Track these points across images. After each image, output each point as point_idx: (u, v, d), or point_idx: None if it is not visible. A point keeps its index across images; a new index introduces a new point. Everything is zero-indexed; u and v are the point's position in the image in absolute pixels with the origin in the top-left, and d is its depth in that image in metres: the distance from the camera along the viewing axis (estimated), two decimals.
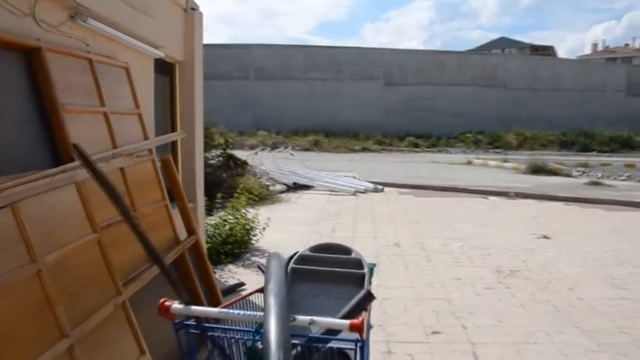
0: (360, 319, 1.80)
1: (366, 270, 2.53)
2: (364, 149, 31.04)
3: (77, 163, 3.13)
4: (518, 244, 7.45)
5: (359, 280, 2.49)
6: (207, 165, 11.56)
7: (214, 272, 6.07)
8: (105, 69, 3.77)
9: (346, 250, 2.68)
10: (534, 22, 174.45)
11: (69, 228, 2.81)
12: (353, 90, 36.66)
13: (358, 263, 2.57)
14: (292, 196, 12.08)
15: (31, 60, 2.96)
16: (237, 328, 2.02)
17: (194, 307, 2.04)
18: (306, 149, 30.72)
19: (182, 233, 4.46)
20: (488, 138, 33.77)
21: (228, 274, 6.04)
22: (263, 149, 16.55)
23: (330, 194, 12.40)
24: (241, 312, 1.99)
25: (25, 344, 2.19)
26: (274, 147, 21.42)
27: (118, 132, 3.73)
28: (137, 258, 3.56)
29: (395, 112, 36.13)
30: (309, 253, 2.65)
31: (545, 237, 7.91)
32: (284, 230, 8.31)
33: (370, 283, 2.58)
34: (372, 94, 36.69)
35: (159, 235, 4.00)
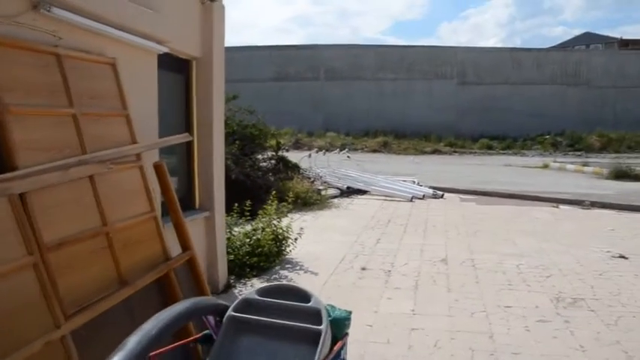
0: None
1: (324, 326, 1.82)
2: (435, 151, 29.77)
3: (15, 173, 2.66)
4: (587, 265, 6.34)
5: (313, 340, 1.80)
6: (258, 168, 11.20)
7: (234, 287, 5.58)
8: (79, 65, 3.29)
9: (304, 296, 1.99)
10: (625, 16, 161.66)
11: None
12: (425, 90, 35.42)
13: (316, 315, 1.88)
14: (344, 201, 11.43)
15: None
16: None
17: None
18: (375, 150, 29.95)
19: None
20: (568, 140, 31.30)
21: (250, 290, 5.45)
22: (318, 151, 15.89)
23: (385, 200, 11.64)
24: None
25: None
26: (342, 148, 20.76)
27: (92, 136, 3.25)
28: (101, 281, 3.07)
29: (468, 113, 34.47)
30: (256, 297, 1.99)
31: (622, 257, 6.72)
32: (324, 239, 7.69)
33: (333, 342, 1.89)
34: (444, 94, 35.26)
35: (141, 252, 3.49)
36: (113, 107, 3.57)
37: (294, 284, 2.13)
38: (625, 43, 48.28)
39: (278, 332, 1.84)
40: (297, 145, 28.57)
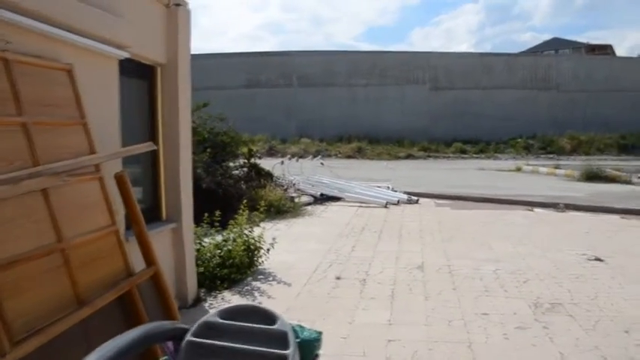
0: None
1: (290, 350, 1.69)
2: (409, 156, 29.98)
3: None
4: (564, 269, 6.35)
5: None
6: (230, 177, 11.00)
7: (204, 300, 5.39)
8: (31, 71, 3.11)
9: (270, 318, 1.85)
10: (591, 21, 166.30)
11: None
12: (397, 95, 35.73)
13: (282, 339, 1.74)
14: (318, 208, 11.29)
15: None
16: None
17: None
18: (349, 156, 29.98)
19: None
20: (539, 143, 31.96)
21: (221, 303, 5.29)
22: (291, 158, 15.78)
23: (360, 206, 11.55)
24: None
25: None
26: (317, 154, 20.70)
27: (45, 146, 3.06)
28: (57, 301, 2.87)
29: (441, 118, 34.87)
30: (217, 319, 1.84)
31: (598, 259, 6.76)
32: (298, 248, 7.55)
33: None
34: (417, 99, 35.64)
35: (101, 268, 3.30)
36: (69, 115, 3.38)
37: (259, 305, 1.98)
38: (592, 48, 49.60)
39: (241, 358, 1.71)
40: (271, 152, 28.44)
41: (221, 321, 1.83)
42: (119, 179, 3.65)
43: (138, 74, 4.80)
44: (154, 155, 5.00)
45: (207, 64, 37.25)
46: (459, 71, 35.85)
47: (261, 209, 7.00)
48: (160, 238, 4.88)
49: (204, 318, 1.84)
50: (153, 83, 4.99)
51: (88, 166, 3.41)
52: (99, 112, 3.81)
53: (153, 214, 5.00)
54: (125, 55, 4.12)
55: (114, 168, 3.79)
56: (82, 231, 3.18)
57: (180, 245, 5.18)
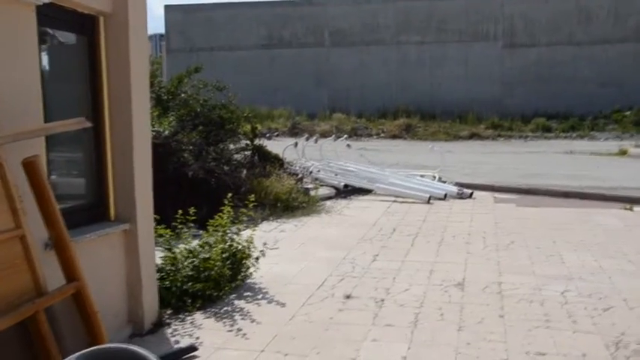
0: None
1: None
2: (473, 136, 29.33)
3: None
4: None
5: None
6: (226, 162, 10.91)
7: (168, 325, 5.29)
8: None
9: None
10: None
11: None
12: (460, 56, 34.96)
13: None
14: (339, 204, 11.21)
15: None
16: None
17: None
18: (394, 136, 29.60)
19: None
20: None
21: (188, 329, 5.18)
22: (308, 138, 15.64)
23: (394, 201, 11.36)
24: None
25: None
26: (339, 134, 20.47)
27: None
28: None
29: (518, 85, 33.96)
30: None
31: None
32: (303, 256, 7.47)
33: None
34: (486, 60, 34.77)
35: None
36: None
37: (131, 346, 1.80)
38: None
39: None
40: (295, 131, 28.31)
41: None
42: (28, 166, 3.53)
43: (71, 26, 4.67)
44: (97, 135, 4.88)
45: (214, 16, 37.49)
46: (543, 21, 34.66)
47: (250, 204, 6.86)
48: (105, 244, 4.81)
49: None
50: (95, 39, 4.85)
51: None
52: (8, 76, 3.69)
53: (97, 213, 4.93)
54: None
55: (31, 152, 3.66)
56: None
57: (134, 252, 5.08)
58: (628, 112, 31.63)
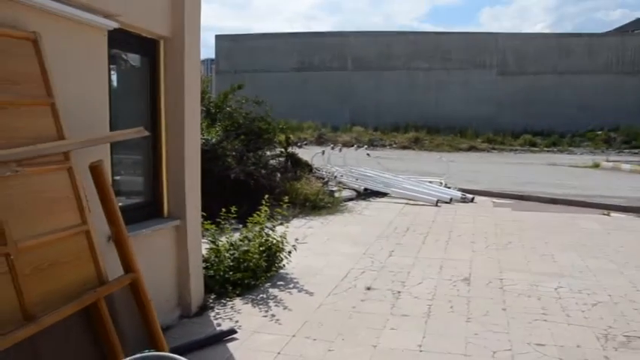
0: None
1: None
2: (471, 148, 28.84)
3: None
4: None
5: None
6: (264, 166, 10.65)
7: (211, 309, 5.02)
8: None
9: None
10: None
11: None
12: (461, 81, 34.49)
13: None
14: (359, 205, 10.83)
15: None
16: None
17: None
18: (405, 147, 29.19)
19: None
20: (623, 135, 29.81)
21: (228, 313, 4.91)
22: (334, 147, 15.32)
23: (407, 203, 10.98)
24: None
25: None
26: (361, 144, 20.17)
27: None
28: None
29: (510, 106, 33.38)
30: None
31: None
32: (329, 251, 7.12)
33: None
34: (483, 85, 34.27)
35: (63, 276, 2.96)
36: (31, 94, 3.03)
37: (169, 355, 1.53)
38: None
39: None
40: (320, 141, 28.00)
41: None
42: (94, 170, 3.29)
43: (136, 49, 4.44)
44: (155, 143, 4.64)
45: (256, 44, 37.34)
46: (531, 54, 34.06)
47: (284, 204, 6.57)
48: (159, 238, 4.57)
49: None
50: (155, 60, 4.61)
51: (52, 155, 3.06)
52: (80, 91, 3.47)
53: (152, 210, 4.67)
54: (113, 25, 3.75)
55: (98, 157, 3.43)
56: (38, 231, 2.84)
57: (183, 245, 4.83)
58: (600, 132, 31.06)
